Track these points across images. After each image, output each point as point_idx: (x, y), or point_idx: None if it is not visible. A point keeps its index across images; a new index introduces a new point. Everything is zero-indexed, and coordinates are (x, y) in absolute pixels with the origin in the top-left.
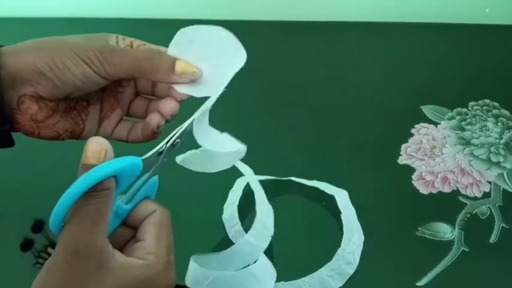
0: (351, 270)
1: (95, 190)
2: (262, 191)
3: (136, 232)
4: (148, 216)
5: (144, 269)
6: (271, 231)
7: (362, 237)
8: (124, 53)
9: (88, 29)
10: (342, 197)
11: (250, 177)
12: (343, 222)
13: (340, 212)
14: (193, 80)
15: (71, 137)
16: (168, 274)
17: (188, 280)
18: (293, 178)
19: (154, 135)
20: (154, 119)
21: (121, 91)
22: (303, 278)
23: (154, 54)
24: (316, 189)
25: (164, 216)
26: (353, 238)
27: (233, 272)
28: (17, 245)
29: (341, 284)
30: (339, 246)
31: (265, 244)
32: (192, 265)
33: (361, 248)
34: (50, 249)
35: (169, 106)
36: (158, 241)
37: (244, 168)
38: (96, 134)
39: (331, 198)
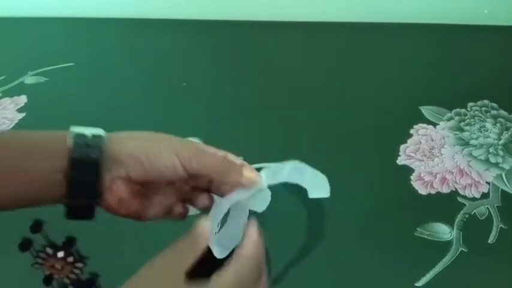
0: None
1: None
2: None
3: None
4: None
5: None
6: None
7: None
8: (211, 154)
9: (88, 29)
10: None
11: None
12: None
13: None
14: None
15: (135, 217)
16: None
17: None
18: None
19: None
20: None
21: (185, 187)
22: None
23: (227, 158)
24: None
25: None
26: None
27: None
28: (16, 245)
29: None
30: None
31: None
32: None
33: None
34: (48, 249)
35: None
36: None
37: None
38: (151, 218)
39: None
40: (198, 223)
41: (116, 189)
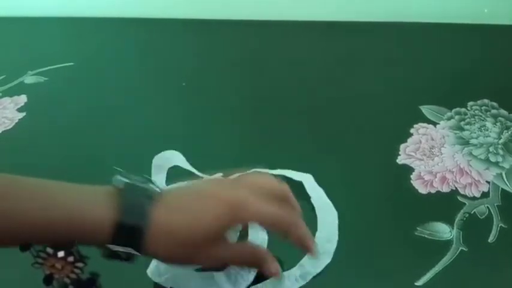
0: (333, 245)
1: None
2: None
3: None
4: None
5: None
6: None
7: (335, 213)
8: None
9: (87, 28)
10: (308, 181)
11: None
12: (315, 205)
13: (310, 197)
14: None
15: None
16: None
17: (149, 270)
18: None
19: None
20: None
21: None
22: (290, 271)
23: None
24: (283, 177)
25: None
26: (327, 219)
27: (193, 272)
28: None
29: (329, 260)
30: (316, 229)
31: None
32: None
33: (337, 222)
34: (48, 249)
35: None
36: None
37: None
38: None
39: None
40: None
41: None
